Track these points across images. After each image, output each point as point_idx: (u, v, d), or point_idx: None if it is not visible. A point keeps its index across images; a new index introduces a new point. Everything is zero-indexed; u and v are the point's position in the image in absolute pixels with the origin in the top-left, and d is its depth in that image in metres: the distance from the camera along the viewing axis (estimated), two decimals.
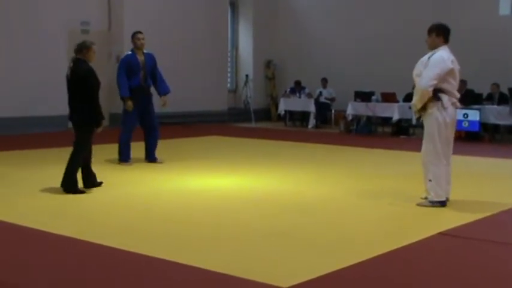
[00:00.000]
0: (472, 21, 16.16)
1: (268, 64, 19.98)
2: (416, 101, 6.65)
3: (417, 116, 6.90)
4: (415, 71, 6.74)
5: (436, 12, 16.63)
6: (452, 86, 6.63)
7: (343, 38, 18.57)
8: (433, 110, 6.57)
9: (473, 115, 13.69)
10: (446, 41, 6.73)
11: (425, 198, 6.72)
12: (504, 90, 14.30)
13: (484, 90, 14.65)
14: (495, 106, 13.94)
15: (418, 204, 6.69)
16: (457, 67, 6.68)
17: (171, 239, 5.29)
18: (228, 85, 19.46)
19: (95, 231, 5.45)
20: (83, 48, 7.23)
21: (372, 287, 4.24)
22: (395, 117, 14.63)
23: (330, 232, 5.67)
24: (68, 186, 7.10)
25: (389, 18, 17.58)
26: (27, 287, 4.08)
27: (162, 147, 10.05)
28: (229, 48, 19.40)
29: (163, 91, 9.58)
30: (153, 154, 9.51)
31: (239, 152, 11.65)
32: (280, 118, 18.44)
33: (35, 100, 13.87)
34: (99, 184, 7.41)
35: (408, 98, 15.24)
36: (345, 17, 18.69)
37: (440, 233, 5.54)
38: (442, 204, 6.60)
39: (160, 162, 9.41)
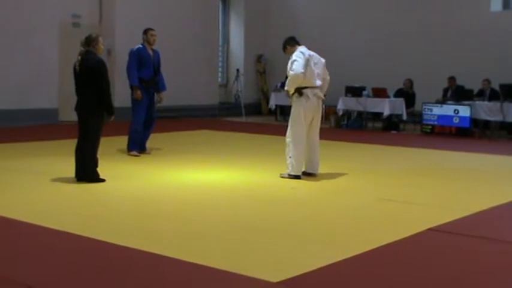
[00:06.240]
0: (463, 18, 16.20)
1: (259, 59, 19.95)
2: (289, 87, 7.89)
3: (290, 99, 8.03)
4: (288, 67, 8.01)
5: (427, 9, 16.70)
6: (309, 74, 7.79)
7: (334, 33, 18.55)
8: (295, 99, 7.85)
9: (464, 111, 13.73)
10: (296, 44, 8.17)
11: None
12: (495, 86, 14.34)
13: (475, 86, 14.69)
14: (486, 102, 13.97)
15: (281, 175, 7.90)
16: (315, 61, 7.91)
17: (162, 234, 5.27)
18: (219, 79, 19.43)
19: (88, 226, 5.42)
20: (91, 41, 7.34)
21: (361, 282, 4.24)
22: (386, 112, 14.66)
23: (320, 227, 5.66)
24: (90, 176, 7.22)
25: (380, 14, 17.58)
26: (20, 280, 4.06)
27: (154, 140, 10.09)
28: (220, 43, 19.36)
29: (162, 88, 10.01)
30: (145, 144, 9.82)
31: (230, 146, 11.64)
32: (271, 112, 18.43)
33: (25, 93, 13.79)
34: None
35: (399, 93, 15.33)
36: (335, 12, 18.68)
37: (430, 229, 5.54)
38: (297, 177, 7.78)
39: (148, 153, 9.72)
